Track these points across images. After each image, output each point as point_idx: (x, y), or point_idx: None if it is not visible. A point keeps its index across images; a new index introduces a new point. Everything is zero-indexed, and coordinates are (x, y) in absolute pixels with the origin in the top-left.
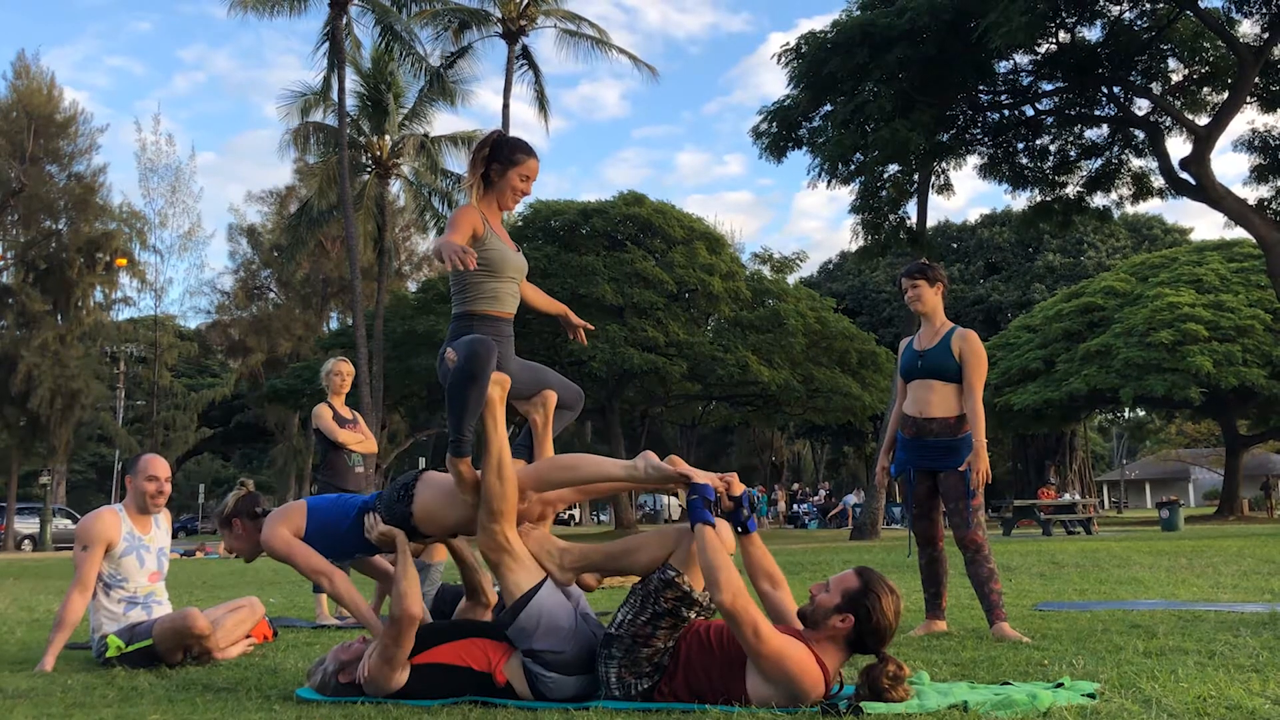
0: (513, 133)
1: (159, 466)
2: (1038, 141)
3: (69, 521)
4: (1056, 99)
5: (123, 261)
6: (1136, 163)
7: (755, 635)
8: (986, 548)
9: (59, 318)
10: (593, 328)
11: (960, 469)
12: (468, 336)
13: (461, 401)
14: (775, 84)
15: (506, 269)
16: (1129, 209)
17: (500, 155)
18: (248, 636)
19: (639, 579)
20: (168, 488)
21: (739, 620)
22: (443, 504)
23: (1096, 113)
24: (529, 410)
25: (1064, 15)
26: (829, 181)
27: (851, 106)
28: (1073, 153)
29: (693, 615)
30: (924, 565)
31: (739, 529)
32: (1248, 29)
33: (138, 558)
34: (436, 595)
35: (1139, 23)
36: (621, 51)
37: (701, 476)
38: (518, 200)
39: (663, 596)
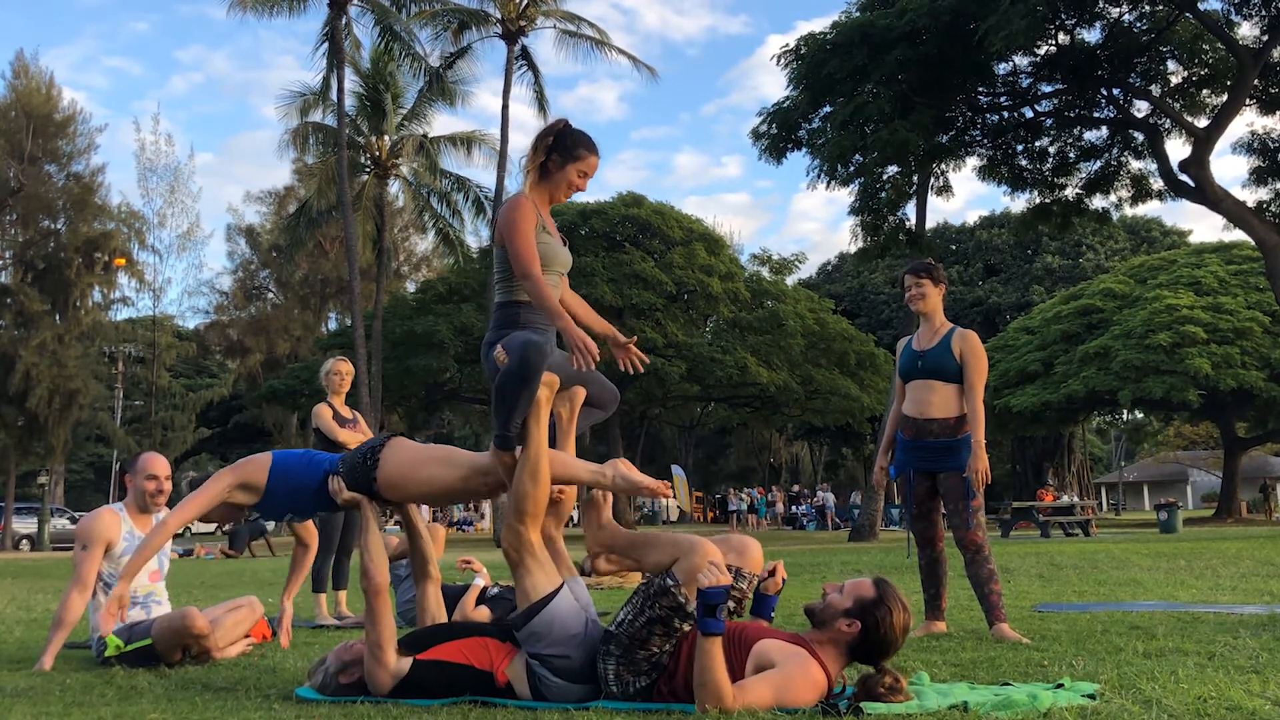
0: (511, 135)
1: (159, 465)
2: (1037, 143)
3: (67, 521)
4: (1056, 101)
5: (121, 261)
6: (1135, 165)
7: (761, 706)
8: (987, 548)
9: (57, 317)
10: (648, 360)
11: (964, 474)
12: (521, 337)
13: (511, 401)
14: (773, 86)
15: (555, 263)
16: (1128, 211)
17: (562, 147)
18: (247, 636)
19: (643, 580)
20: (168, 486)
21: (741, 713)
22: (409, 472)
23: (1096, 114)
24: (556, 403)
25: (1063, 17)
26: (828, 183)
27: (851, 108)
28: (1072, 154)
29: (685, 627)
30: (924, 566)
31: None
32: (1247, 31)
33: None
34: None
35: (1138, 24)
36: (621, 52)
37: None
38: (570, 195)
39: (659, 603)
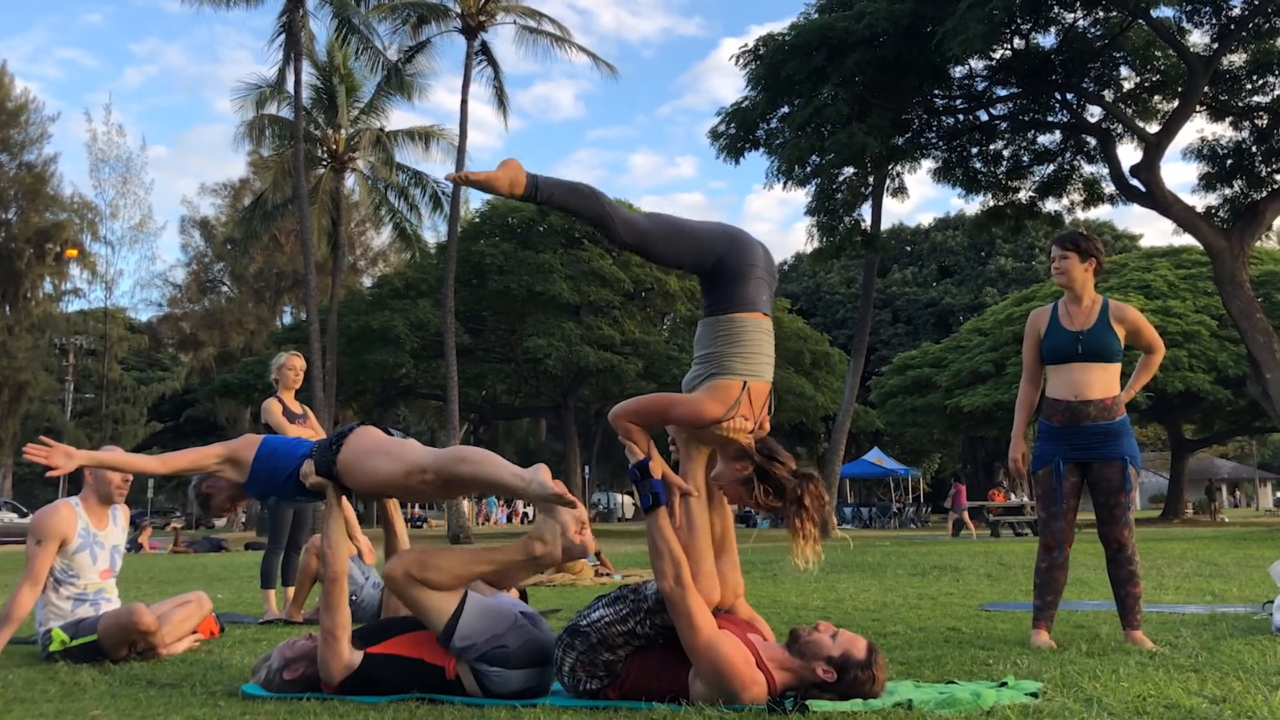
0: (470, 130)
1: None
2: (991, 146)
3: (15, 515)
4: (1010, 104)
5: (73, 252)
6: (1088, 169)
7: (690, 626)
8: (1131, 547)
9: (7, 308)
10: None
11: (1125, 461)
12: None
13: None
14: (727, 88)
15: None
16: (1080, 215)
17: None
18: (194, 632)
19: (618, 581)
20: (131, 476)
21: (675, 608)
22: (359, 459)
23: (1049, 119)
24: None
25: (1019, 22)
26: (785, 183)
27: (809, 110)
28: (1025, 158)
29: (660, 643)
30: (1044, 570)
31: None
32: (1198, 39)
33: (91, 554)
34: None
35: (1092, 31)
36: (581, 49)
37: (571, 519)
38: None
39: (651, 620)
